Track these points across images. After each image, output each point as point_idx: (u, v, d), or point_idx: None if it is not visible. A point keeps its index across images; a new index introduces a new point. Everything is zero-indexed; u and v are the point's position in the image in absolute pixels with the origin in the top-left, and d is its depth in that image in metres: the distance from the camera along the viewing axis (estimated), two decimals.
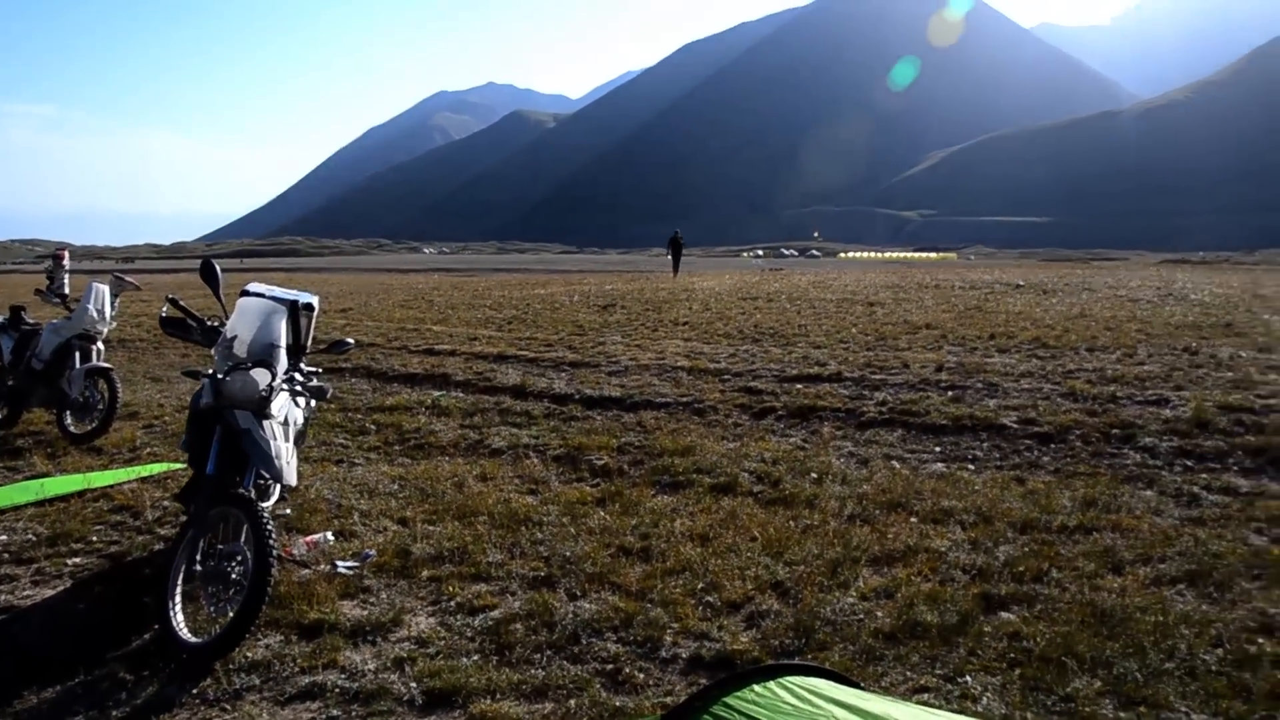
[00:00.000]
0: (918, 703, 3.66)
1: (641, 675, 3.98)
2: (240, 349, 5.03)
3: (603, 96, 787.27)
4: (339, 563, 5.24)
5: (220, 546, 4.49)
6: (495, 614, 4.57)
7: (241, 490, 4.72)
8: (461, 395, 10.88)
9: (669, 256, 41.73)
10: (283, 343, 5.14)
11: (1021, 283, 29.96)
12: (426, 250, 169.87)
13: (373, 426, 9.29)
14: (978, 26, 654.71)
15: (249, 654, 4.15)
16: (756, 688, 2.45)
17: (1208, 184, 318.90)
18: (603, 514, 6.10)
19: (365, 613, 4.60)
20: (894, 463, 7.49)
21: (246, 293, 5.35)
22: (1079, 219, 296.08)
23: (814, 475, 6.99)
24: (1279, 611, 4.49)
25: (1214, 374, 10.93)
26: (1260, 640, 4.20)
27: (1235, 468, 7.26)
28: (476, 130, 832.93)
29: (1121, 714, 3.62)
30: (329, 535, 5.71)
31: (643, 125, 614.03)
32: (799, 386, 10.50)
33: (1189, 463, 7.40)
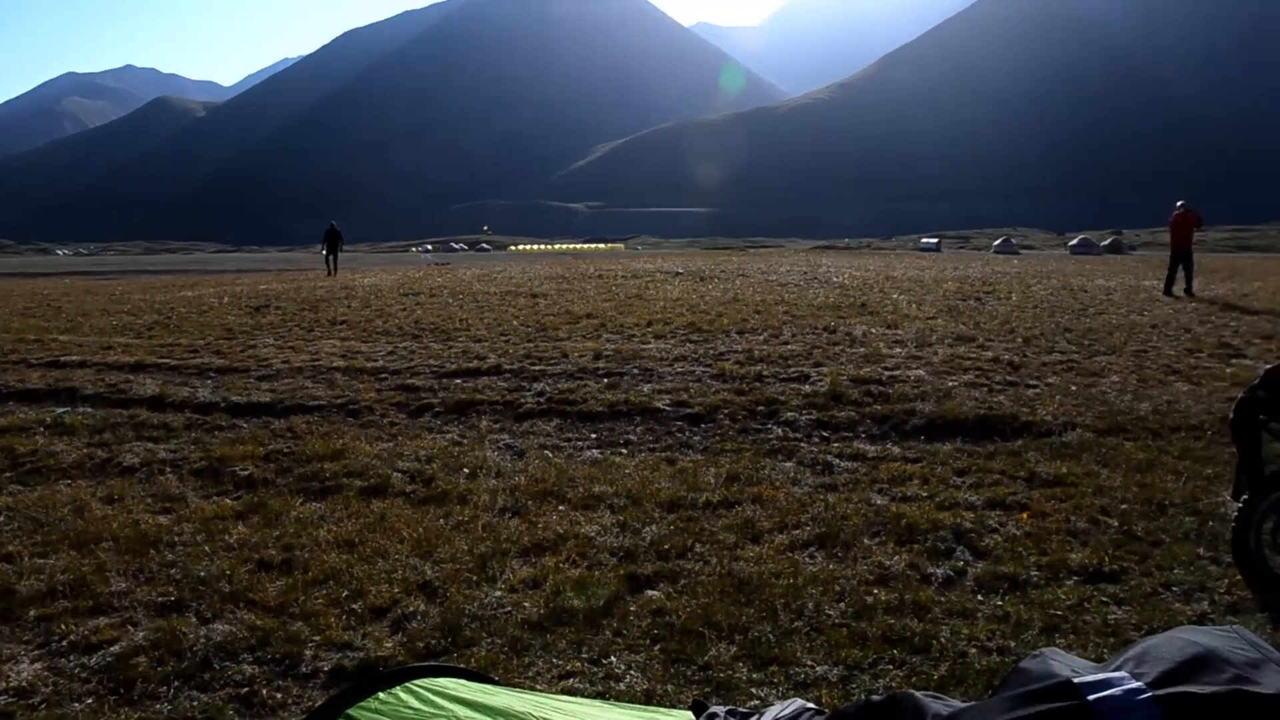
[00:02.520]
0: (562, 689, 3.70)
1: (279, 694, 3.76)
2: None
3: (259, 84, 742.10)
4: None
5: None
6: (115, 649, 4.14)
7: None
8: (90, 410, 9.83)
9: (324, 253, 39.61)
10: None
11: (681, 271, 31.51)
12: (60, 252, 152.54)
13: None
14: (640, 23, 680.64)
15: None
16: (382, 695, 2.33)
17: (850, 176, 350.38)
18: (243, 528, 5.72)
19: None
20: (549, 452, 7.58)
21: None
22: (738, 209, 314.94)
23: (468, 471, 6.93)
24: (893, 563, 4.96)
25: (849, 350, 11.98)
26: (876, 591, 4.61)
27: (864, 435, 7.97)
28: (115, 117, 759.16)
29: (755, 675, 3.82)
30: None
31: (303, 115, 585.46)
32: (458, 381, 10.41)
33: (825, 433, 8.03)
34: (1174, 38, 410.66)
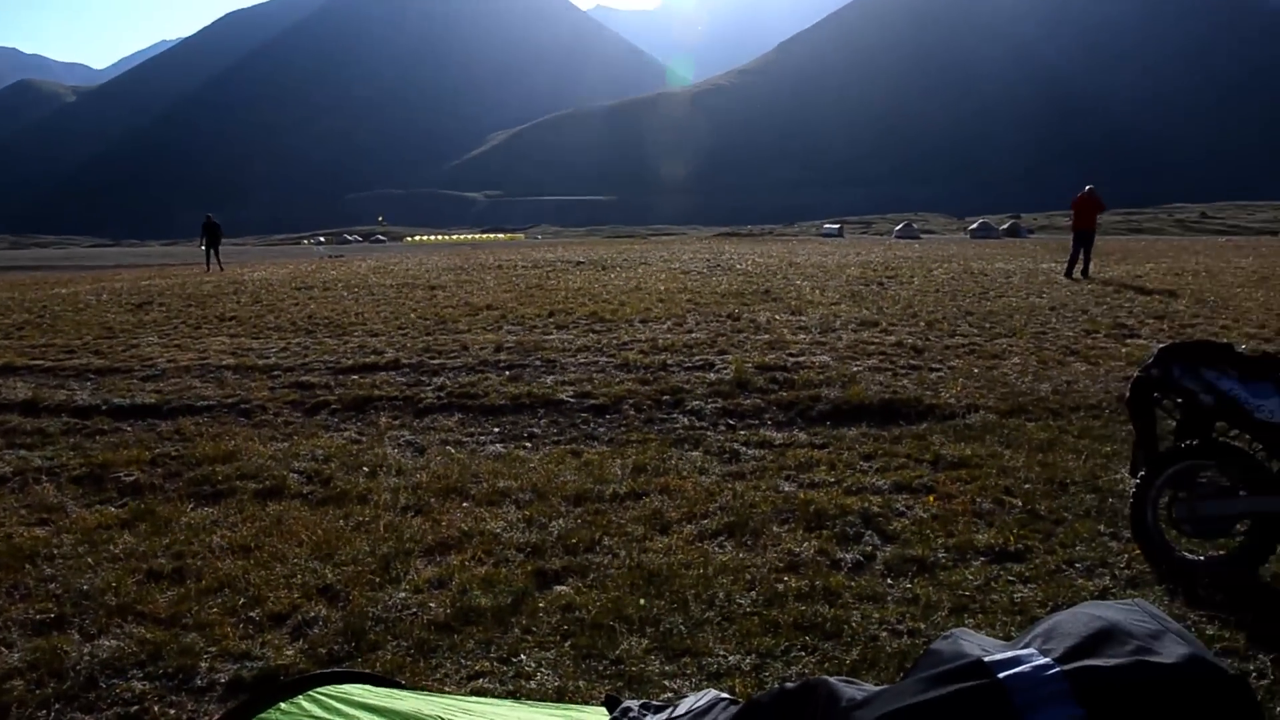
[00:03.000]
0: (471, 690, 3.61)
1: (172, 710, 3.57)
2: None
3: (134, 68, 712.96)
4: None
5: None
6: None
7: None
8: None
9: (203, 247, 38.01)
10: None
11: (582, 260, 31.44)
12: None
13: None
14: (537, 6, 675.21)
15: None
16: (284, 705, 2.20)
17: (753, 163, 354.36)
18: (129, 537, 5.44)
19: None
20: (451, 448, 7.43)
21: None
22: (640, 196, 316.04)
23: (367, 469, 6.73)
24: (802, 550, 4.97)
25: (753, 337, 12.06)
26: (786, 578, 4.61)
27: (770, 422, 8.00)
28: None
29: (667, 667, 3.77)
30: None
31: (184, 101, 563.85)
32: (355, 377, 10.15)
33: (731, 421, 8.04)
34: (1070, 28, 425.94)
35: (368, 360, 10.98)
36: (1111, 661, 1.29)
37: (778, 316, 14.20)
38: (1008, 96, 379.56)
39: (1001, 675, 1.28)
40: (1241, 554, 4.59)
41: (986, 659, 1.32)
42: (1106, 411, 8.05)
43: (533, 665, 3.81)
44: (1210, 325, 13.40)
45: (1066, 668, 1.28)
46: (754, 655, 3.84)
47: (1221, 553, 4.72)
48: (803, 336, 12.16)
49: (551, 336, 12.45)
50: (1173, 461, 4.69)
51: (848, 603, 4.32)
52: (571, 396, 8.91)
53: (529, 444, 7.57)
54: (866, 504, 5.66)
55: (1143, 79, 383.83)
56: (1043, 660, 1.30)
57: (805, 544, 5.04)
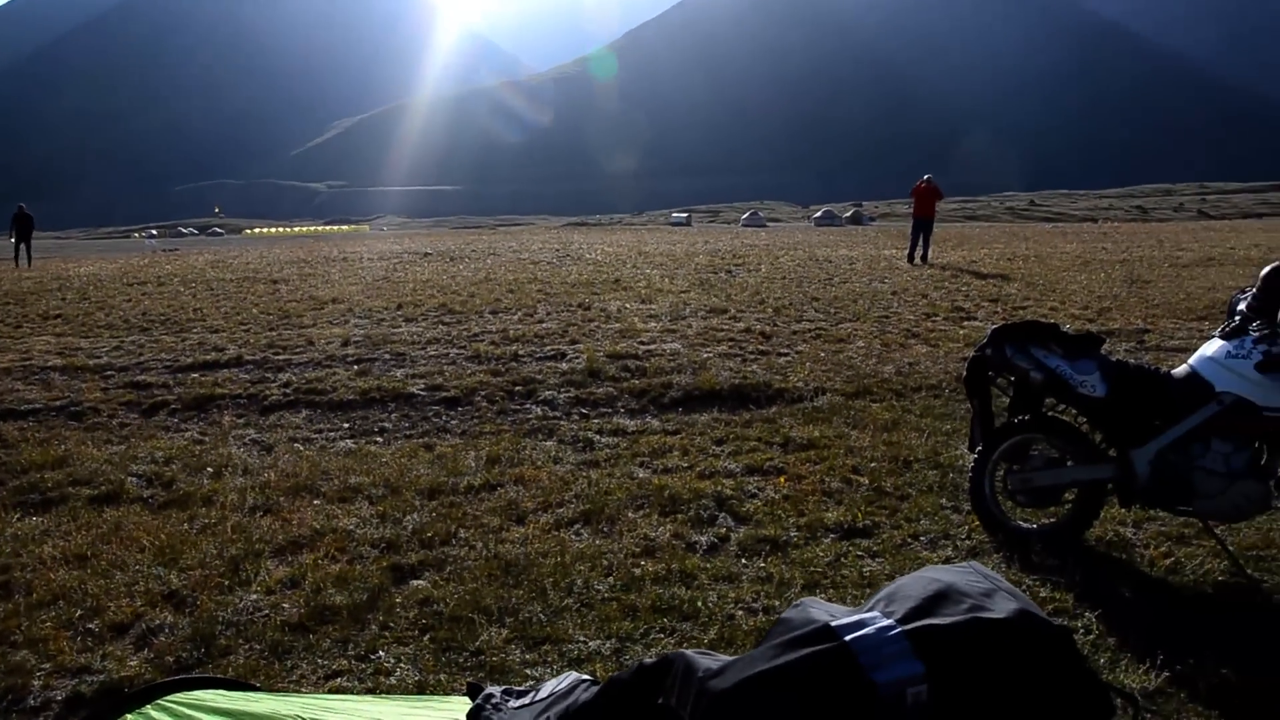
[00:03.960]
0: (330, 689, 3.54)
1: None
2: None
3: None
4: None
5: None
6: None
7: None
8: None
9: (12, 240, 35.28)
10: None
11: (430, 251, 30.94)
12: None
13: None
14: None
15: None
16: (130, 716, 2.13)
17: (598, 152, 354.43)
18: None
19: None
20: (299, 445, 7.23)
21: None
22: (487, 186, 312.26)
23: (212, 470, 6.49)
24: (658, 534, 5.05)
25: (604, 326, 12.14)
26: (643, 562, 4.68)
27: (623, 410, 8.08)
28: None
29: (528, 656, 3.79)
30: None
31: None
32: (195, 375, 9.75)
33: (584, 410, 8.09)
34: (909, 23, 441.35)
35: (208, 358, 10.56)
36: (948, 619, 1.39)
37: (628, 305, 14.34)
38: (850, 88, 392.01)
39: (848, 638, 1.36)
40: (1070, 521, 4.90)
41: (834, 623, 1.40)
42: (946, 391, 8.45)
43: (392, 661, 3.77)
44: (1040, 307, 14.19)
45: (907, 628, 1.38)
46: (614, 639, 3.90)
47: (1052, 520, 5.02)
48: (653, 325, 12.31)
49: (400, 329, 12.24)
50: (1006, 436, 4.97)
51: (704, 584, 4.42)
52: (423, 389, 8.80)
53: (380, 439, 7.45)
54: (719, 487, 5.79)
55: (976, 73, 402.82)
56: (886, 622, 1.40)
57: (661, 528, 5.13)
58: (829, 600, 1.62)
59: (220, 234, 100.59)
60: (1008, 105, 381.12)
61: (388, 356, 10.36)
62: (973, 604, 1.42)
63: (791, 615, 1.50)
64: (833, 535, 5.04)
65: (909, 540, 4.98)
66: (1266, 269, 4.61)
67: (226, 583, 4.53)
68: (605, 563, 4.66)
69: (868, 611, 1.45)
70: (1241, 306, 4.70)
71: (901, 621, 1.40)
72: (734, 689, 1.34)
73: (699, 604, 4.18)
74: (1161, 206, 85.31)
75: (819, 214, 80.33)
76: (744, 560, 4.73)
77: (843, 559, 4.72)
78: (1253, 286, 4.69)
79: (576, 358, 9.96)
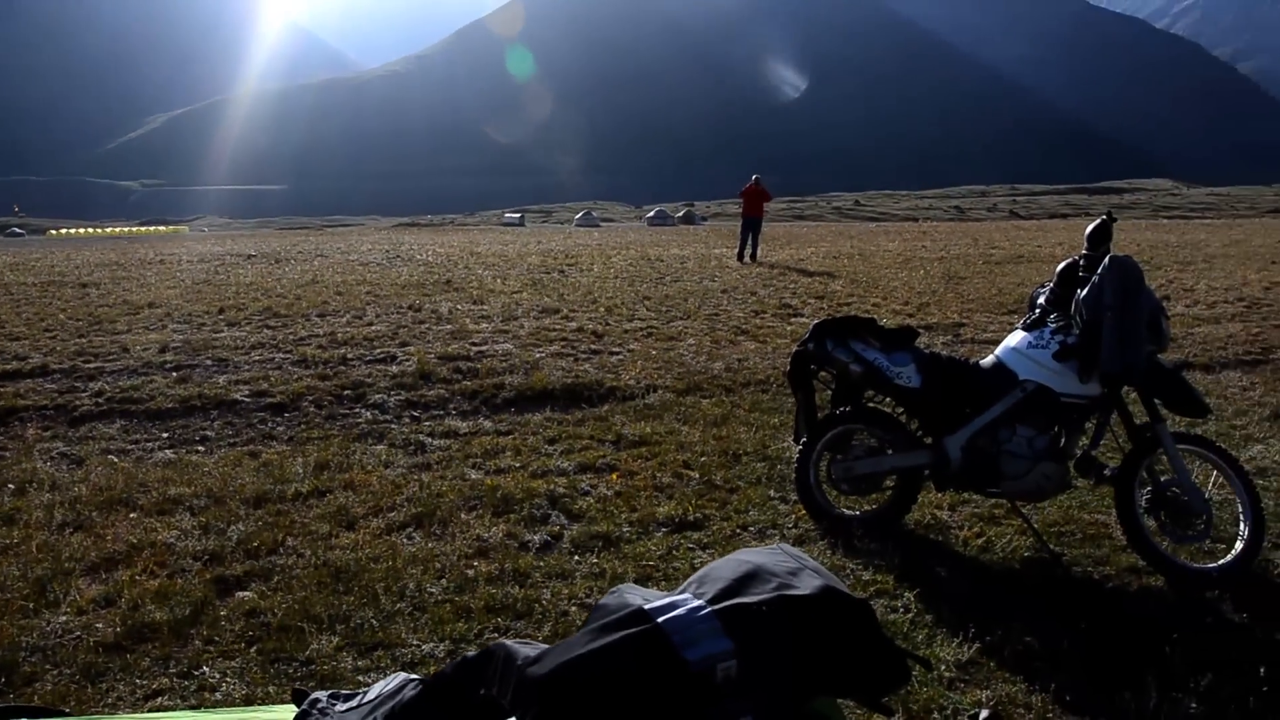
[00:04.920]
0: (150, 709, 3.42)
1: None
2: None
3: None
4: None
5: None
6: None
7: None
8: None
9: None
10: None
11: (254, 253, 29.81)
12: None
13: None
14: None
15: None
16: None
17: (430, 150, 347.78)
18: None
19: None
20: (114, 457, 6.88)
21: None
22: (315, 185, 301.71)
23: (14, 487, 6.10)
24: (491, 535, 5.05)
25: (436, 328, 12.00)
26: (476, 563, 4.68)
27: (455, 412, 8.04)
28: None
29: (360, 662, 3.75)
30: None
31: None
32: None
33: (416, 413, 8.00)
34: (742, 28, 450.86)
35: (8, 367, 9.87)
36: (756, 598, 1.49)
37: (460, 306, 14.22)
38: (683, 91, 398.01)
39: (660, 620, 1.44)
40: (890, 506, 5.16)
41: (647, 607, 1.48)
42: (773, 386, 8.75)
43: (217, 676, 3.66)
44: (864, 303, 14.82)
45: (716, 607, 1.47)
46: (448, 641, 3.89)
47: (874, 506, 5.28)
48: (485, 325, 12.26)
49: (223, 334, 11.78)
50: (829, 427, 5.20)
51: (537, 582, 4.46)
52: (247, 396, 8.52)
53: (202, 447, 7.18)
54: (552, 486, 5.84)
55: (800, 77, 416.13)
56: (696, 603, 1.48)
57: (493, 529, 5.15)
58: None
59: (20, 234, 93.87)
60: (833, 108, 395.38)
61: (209, 362, 9.96)
62: (780, 583, 1.52)
63: (608, 601, 1.56)
64: (664, 529, 5.16)
65: (738, 531, 5.15)
66: (1061, 264, 4.98)
67: (32, 605, 4.28)
68: (438, 565, 4.64)
69: (680, 594, 1.53)
70: (1041, 300, 5.06)
71: (712, 602, 1.49)
72: (551, 674, 1.39)
73: (533, 602, 4.22)
74: (977, 207, 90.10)
75: (652, 214, 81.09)
76: (577, 557, 4.79)
77: (674, 551, 4.84)
78: (1051, 281, 5.05)
79: (407, 360, 9.83)
